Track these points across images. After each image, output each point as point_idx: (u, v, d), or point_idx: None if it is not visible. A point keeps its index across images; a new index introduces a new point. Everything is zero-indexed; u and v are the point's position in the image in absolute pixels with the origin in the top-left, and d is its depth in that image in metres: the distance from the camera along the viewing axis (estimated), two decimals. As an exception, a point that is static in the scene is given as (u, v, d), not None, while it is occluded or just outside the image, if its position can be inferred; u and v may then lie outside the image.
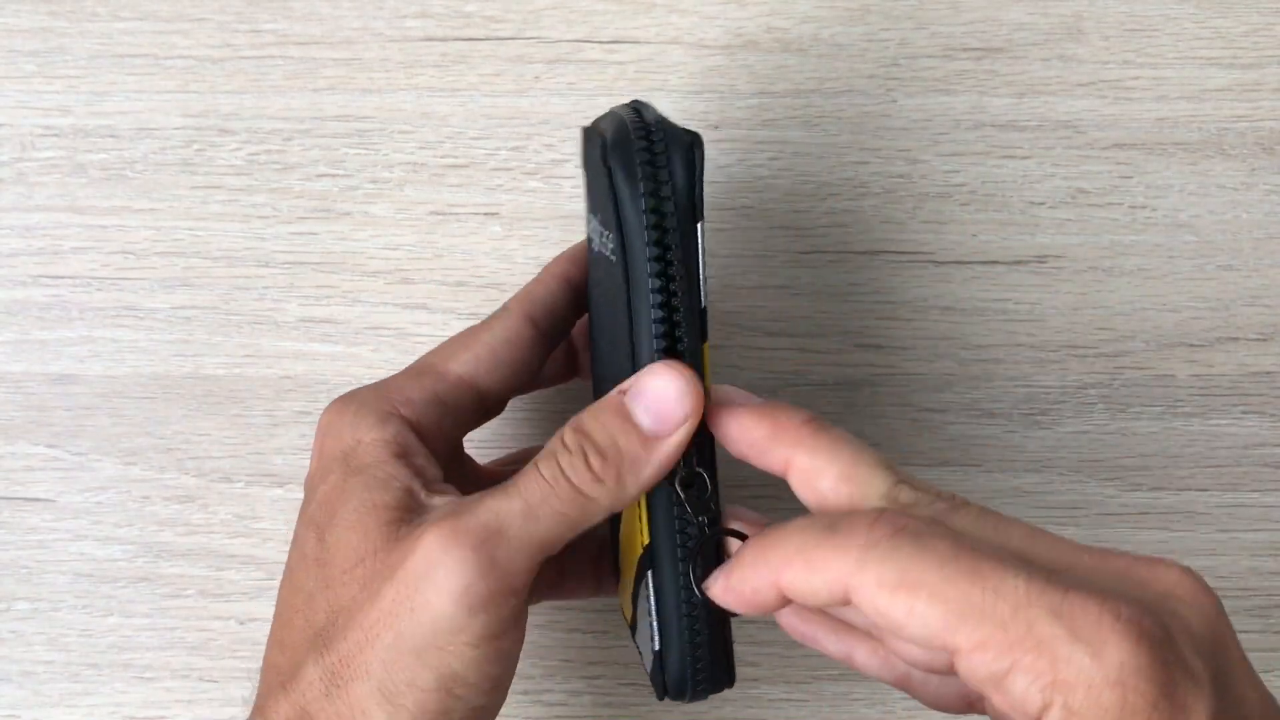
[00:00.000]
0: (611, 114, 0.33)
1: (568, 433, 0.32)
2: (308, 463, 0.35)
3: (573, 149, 0.44)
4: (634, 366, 0.32)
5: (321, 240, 0.44)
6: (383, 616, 0.30)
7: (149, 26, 0.45)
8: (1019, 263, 0.44)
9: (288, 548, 0.34)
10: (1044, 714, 0.25)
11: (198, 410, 0.44)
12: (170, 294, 0.44)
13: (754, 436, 0.31)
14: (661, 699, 0.34)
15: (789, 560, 0.28)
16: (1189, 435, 0.43)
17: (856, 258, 0.44)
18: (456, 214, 0.44)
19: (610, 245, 0.32)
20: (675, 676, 0.33)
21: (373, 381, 0.36)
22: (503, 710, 0.33)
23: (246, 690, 0.41)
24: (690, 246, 0.31)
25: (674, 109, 0.43)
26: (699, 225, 0.32)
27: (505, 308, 0.37)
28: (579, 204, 0.41)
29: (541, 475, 0.31)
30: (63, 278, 0.44)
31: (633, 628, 0.36)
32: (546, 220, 0.44)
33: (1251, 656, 0.26)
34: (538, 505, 0.31)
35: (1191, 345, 0.44)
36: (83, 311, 0.44)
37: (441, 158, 0.44)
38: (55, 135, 0.44)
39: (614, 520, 0.36)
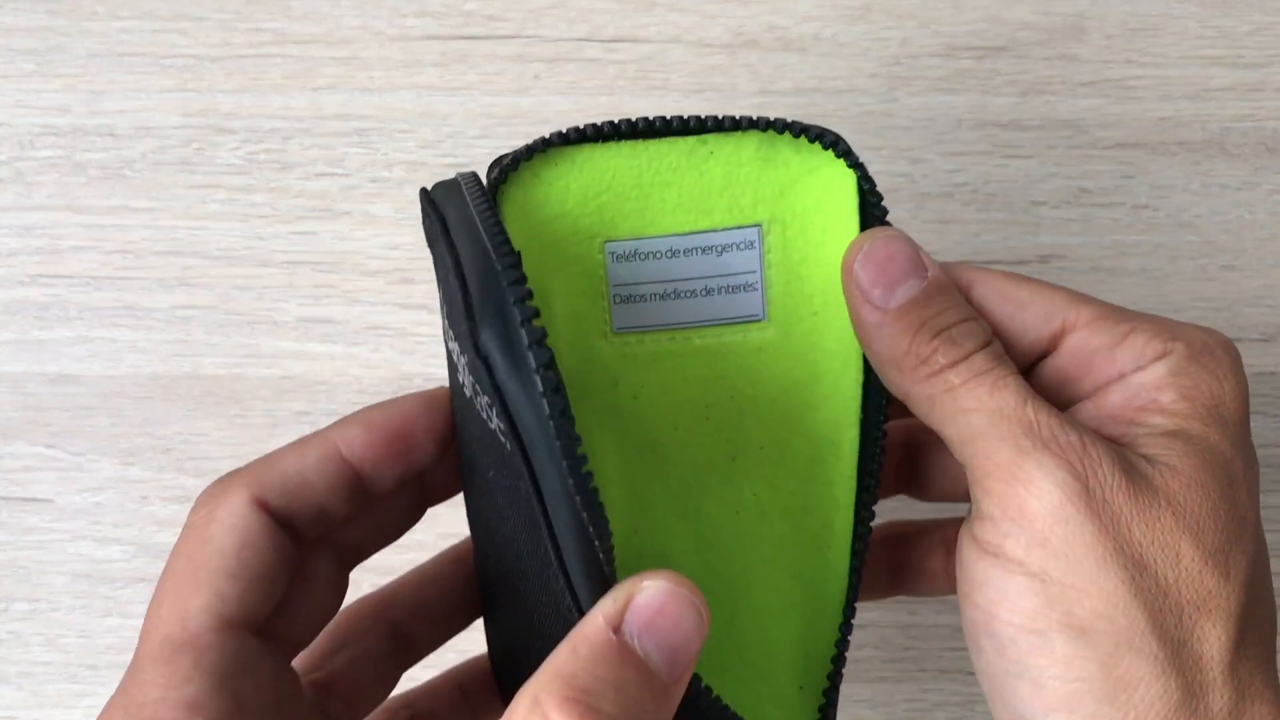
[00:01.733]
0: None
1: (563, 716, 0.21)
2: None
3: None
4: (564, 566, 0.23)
5: (321, 240, 0.44)
6: None
7: (148, 25, 0.45)
8: (1021, 262, 0.44)
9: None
10: (1163, 357, 0.27)
11: (196, 410, 0.44)
12: (169, 294, 0.44)
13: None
14: None
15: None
16: (1192, 436, 0.43)
17: (858, 258, 0.44)
18: (456, 213, 0.44)
19: (484, 402, 0.22)
20: None
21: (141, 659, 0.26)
22: (502, 713, 0.32)
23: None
24: None
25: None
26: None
27: (232, 487, 0.27)
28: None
29: None
30: (61, 277, 0.44)
31: None
32: (547, 220, 0.44)
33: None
34: None
35: (1194, 346, 0.43)
36: (81, 311, 0.44)
37: (441, 157, 0.44)
38: (54, 134, 0.44)
39: None
